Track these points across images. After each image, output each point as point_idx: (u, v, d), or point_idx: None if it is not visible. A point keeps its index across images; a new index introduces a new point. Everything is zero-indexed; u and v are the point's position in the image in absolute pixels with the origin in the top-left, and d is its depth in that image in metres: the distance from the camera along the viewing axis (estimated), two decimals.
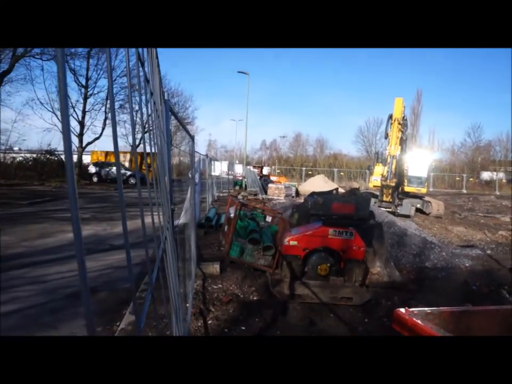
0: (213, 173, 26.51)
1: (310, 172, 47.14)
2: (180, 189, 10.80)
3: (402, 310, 2.09)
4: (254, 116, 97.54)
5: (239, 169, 48.76)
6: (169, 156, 3.58)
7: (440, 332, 1.91)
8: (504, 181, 46.18)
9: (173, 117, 4.70)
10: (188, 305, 5.88)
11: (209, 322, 6.02)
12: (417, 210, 19.86)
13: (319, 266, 7.31)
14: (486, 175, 49.32)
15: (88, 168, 36.62)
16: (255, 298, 7.33)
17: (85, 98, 35.82)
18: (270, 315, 6.37)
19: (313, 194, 8.83)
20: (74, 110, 35.13)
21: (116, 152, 1.30)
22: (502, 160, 57.64)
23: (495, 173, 48.45)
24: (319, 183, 29.27)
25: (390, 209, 17.77)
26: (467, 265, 12.04)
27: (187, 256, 6.64)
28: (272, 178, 40.91)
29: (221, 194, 28.68)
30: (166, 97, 3.75)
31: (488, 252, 14.57)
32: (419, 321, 1.98)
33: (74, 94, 39.76)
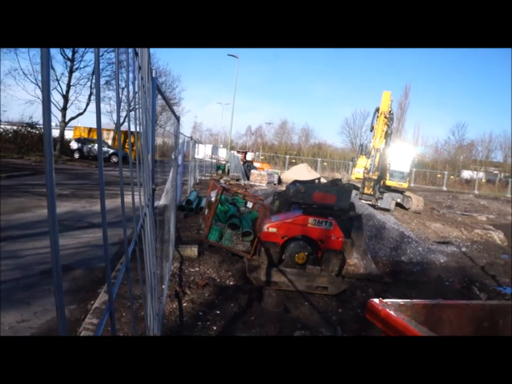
0: (196, 156, 26.37)
1: (294, 160, 47.21)
2: (162, 170, 10.71)
3: (376, 300, 2.11)
4: (241, 101, 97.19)
5: (222, 153, 48.60)
6: (153, 135, 3.53)
7: (412, 323, 1.93)
8: (483, 180, 46.96)
9: (159, 96, 4.63)
10: (163, 286, 5.86)
11: (184, 305, 6.02)
12: (397, 204, 20.07)
13: (296, 255, 7.35)
14: (466, 174, 50.02)
15: (70, 144, 35.86)
16: (231, 283, 7.35)
17: (71, 72, 34.96)
18: (245, 300, 6.39)
19: (295, 182, 8.84)
20: (58, 83, 34.29)
21: (99, 128, 1.27)
22: (483, 160, 58.57)
23: (475, 172, 49.18)
24: (302, 172, 29.36)
25: (371, 202, 17.92)
26: (442, 261, 12.25)
27: (166, 237, 6.61)
28: (255, 164, 40.88)
29: (203, 178, 28.58)
30: (153, 75, 3.69)
31: (463, 249, 14.84)
32: (392, 312, 2.01)
33: (59, 67, 39.02)
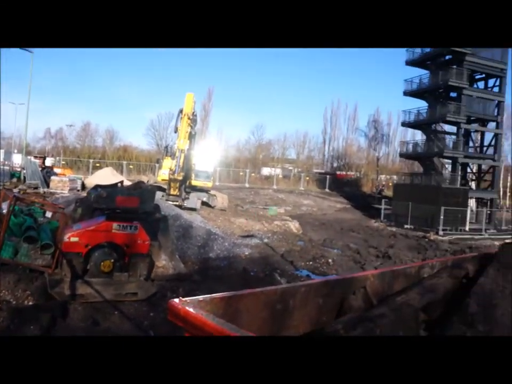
0: None
1: (98, 164, 45.07)
2: None
3: (176, 300, 2.12)
4: (38, 101, 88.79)
5: (17, 159, 44.14)
6: None
7: (210, 317, 1.98)
8: (280, 176, 51.30)
9: None
10: None
11: None
12: (204, 203, 20.63)
13: (102, 263, 7.04)
14: (266, 171, 54.07)
15: None
16: (30, 303, 6.71)
17: None
18: (48, 319, 5.89)
19: (96, 187, 8.46)
20: None
21: None
22: (279, 157, 64.13)
23: (273, 169, 53.57)
24: (107, 176, 28.17)
25: (177, 203, 18.10)
26: (247, 253, 13.02)
27: None
28: (56, 170, 37.92)
29: None
30: None
31: (265, 240, 16.02)
32: (191, 310, 2.03)
33: None
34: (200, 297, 2.30)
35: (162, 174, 20.19)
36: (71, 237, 6.98)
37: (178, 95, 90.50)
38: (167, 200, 17.83)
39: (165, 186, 19.14)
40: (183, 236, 12.32)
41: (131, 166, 43.70)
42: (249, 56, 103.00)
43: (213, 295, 2.39)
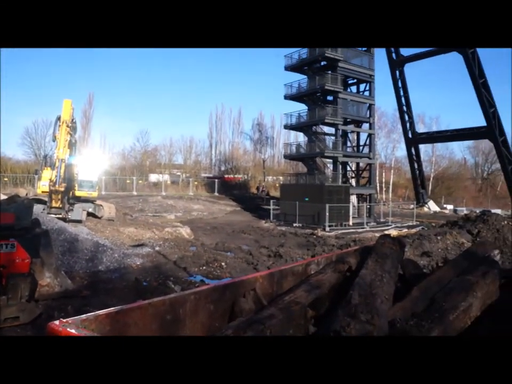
0: None
1: None
2: None
3: (56, 322, 1.96)
4: None
5: None
6: None
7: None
8: (169, 182, 50.62)
9: None
10: None
11: None
12: (90, 214, 19.76)
13: None
14: (153, 177, 52.99)
15: None
16: None
17: None
18: None
19: None
20: None
21: None
22: (167, 163, 63.26)
23: (161, 175, 52.71)
24: None
25: (61, 215, 17.12)
26: (138, 263, 12.68)
27: None
28: None
29: None
30: None
31: (157, 248, 15.72)
32: (73, 331, 1.89)
33: None
34: (83, 316, 2.16)
35: (42, 186, 18.88)
36: None
37: (56, 102, 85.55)
38: (49, 213, 16.76)
39: (46, 199, 17.95)
40: (68, 250, 11.65)
41: (6, 179, 40.33)
42: (131, 59, 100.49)
43: (97, 312, 2.27)
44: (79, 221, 17.98)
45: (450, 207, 45.81)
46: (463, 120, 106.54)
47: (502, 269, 4.09)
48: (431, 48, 40.93)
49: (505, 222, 16.67)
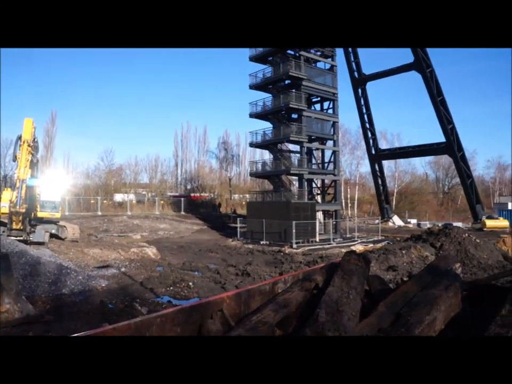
0: None
1: None
2: None
3: None
4: None
5: None
6: None
7: None
8: (134, 201, 49.89)
9: None
10: None
11: None
12: (53, 235, 19.28)
13: None
14: (118, 197, 52.16)
15: None
16: None
17: None
18: None
19: None
20: None
21: None
22: (132, 182, 62.49)
23: (126, 194, 51.91)
24: None
25: (22, 237, 16.66)
26: (103, 285, 12.41)
27: None
28: None
29: None
30: None
31: (123, 269, 15.44)
32: None
33: None
34: None
35: (2, 207, 18.33)
36: None
37: (17, 120, 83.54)
38: (9, 235, 16.27)
39: (6, 221, 17.42)
40: (30, 273, 11.30)
41: None
42: (94, 76, 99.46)
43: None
44: (42, 243, 17.52)
45: (414, 221, 46.93)
46: (424, 135, 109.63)
47: (463, 282, 4.21)
48: (391, 68, 42.27)
49: (466, 234, 17.22)
